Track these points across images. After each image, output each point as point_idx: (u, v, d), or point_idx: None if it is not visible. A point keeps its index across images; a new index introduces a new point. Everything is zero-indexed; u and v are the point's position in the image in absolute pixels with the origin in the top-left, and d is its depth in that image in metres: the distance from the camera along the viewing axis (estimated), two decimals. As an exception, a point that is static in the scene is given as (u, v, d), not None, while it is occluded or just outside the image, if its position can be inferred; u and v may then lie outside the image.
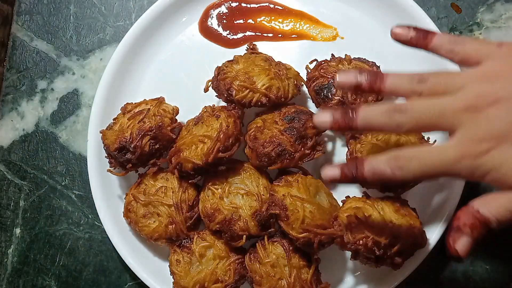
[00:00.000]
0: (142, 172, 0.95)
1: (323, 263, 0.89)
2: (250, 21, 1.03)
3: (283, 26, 1.02)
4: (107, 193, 0.98)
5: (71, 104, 1.08)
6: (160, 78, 1.03)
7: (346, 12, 1.01)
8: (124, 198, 0.96)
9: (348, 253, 0.83)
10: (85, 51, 1.09)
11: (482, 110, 0.65)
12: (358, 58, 0.93)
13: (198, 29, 1.04)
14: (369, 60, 0.93)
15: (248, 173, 0.90)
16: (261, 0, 1.03)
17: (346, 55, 0.93)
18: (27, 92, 1.10)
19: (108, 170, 0.95)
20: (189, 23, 1.04)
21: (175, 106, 0.96)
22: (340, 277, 0.94)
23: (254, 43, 1.00)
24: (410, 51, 0.97)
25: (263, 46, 1.01)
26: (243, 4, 1.03)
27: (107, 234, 0.97)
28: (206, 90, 0.96)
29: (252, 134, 0.89)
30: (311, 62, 0.95)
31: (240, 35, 1.03)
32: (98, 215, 0.98)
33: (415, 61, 0.97)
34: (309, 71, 0.95)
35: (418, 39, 0.74)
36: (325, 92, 0.89)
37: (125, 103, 0.97)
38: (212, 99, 0.97)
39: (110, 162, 0.93)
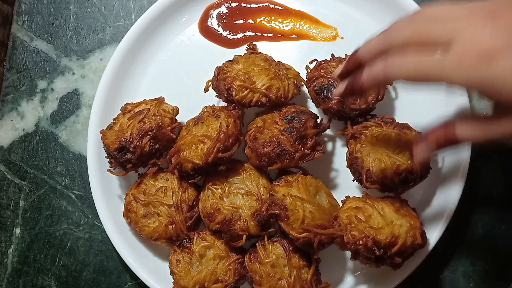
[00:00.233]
0: (142, 172, 0.95)
1: (323, 263, 0.89)
2: (250, 21, 1.03)
3: (283, 26, 1.02)
4: (107, 193, 0.98)
5: (71, 104, 1.08)
6: (160, 78, 1.03)
7: (346, 12, 1.01)
8: (124, 198, 0.96)
9: (348, 253, 0.83)
10: (85, 51, 1.09)
11: (483, 22, 0.62)
12: (358, 58, 0.93)
13: (198, 29, 1.04)
14: (369, 60, 0.93)
15: (248, 173, 0.90)
16: (261, 0, 1.03)
17: (346, 55, 0.93)
18: (27, 92, 1.10)
19: (108, 170, 0.95)
20: (189, 23, 1.04)
21: (175, 106, 0.96)
22: (340, 277, 0.94)
23: (254, 43, 1.00)
24: (410, 51, 0.98)
25: (263, 46, 1.01)
26: (243, 4, 1.03)
27: (107, 234, 0.97)
28: (206, 90, 0.96)
29: (252, 134, 0.89)
30: (311, 62, 0.95)
31: (240, 35, 1.03)
32: (98, 215, 0.98)
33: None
34: (309, 71, 0.95)
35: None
36: (325, 92, 0.89)
37: (125, 103, 0.97)
38: (212, 99, 0.97)
39: (110, 162, 0.93)
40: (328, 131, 0.93)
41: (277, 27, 1.02)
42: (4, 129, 1.10)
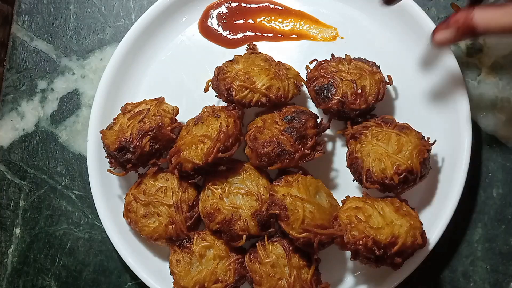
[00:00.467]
0: (142, 172, 0.95)
1: (323, 263, 0.89)
2: (250, 21, 1.03)
3: (283, 26, 1.02)
4: (107, 193, 0.98)
5: (71, 104, 1.08)
6: (160, 78, 1.03)
7: (346, 12, 1.01)
8: (124, 198, 0.96)
9: (348, 253, 0.83)
10: (85, 51, 1.09)
11: None
12: (358, 58, 0.93)
13: (198, 29, 1.04)
14: (369, 60, 0.93)
15: (248, 173, 0.90)
16: (261, 0, 1.03)
17: (346, 55, 0.93)
18: (27, 92, 1.10)
19: (108, 170, 0.95)
20: (189, 23, 1.04)
21: (175, 106, 0.96)
22: (340, 277, 0.94)
23: (254, 43, 1.00)
24: (410, 51, 0.98)
25: (263, 46, 1.01)
26: (243, 4, 1.03)
27: (107, 234, 0.97)
28: (206, 90, 0.96)
29: (252, 134, 0.88)
30: (311, 62, 0.95)
31: (240, 35, 1.03)
32: (98, 215, 0.98)
33: (416, 61, 0.97)
34: (309, 71, 0.95)
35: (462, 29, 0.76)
36: (325, 92, 0.89)
37: (125, 103, 0.97)
38: (212, 99, 0.97)
39: (110, 162, 0.93)
40: (328, 131, 0.93)
41: (277, 27, 1.02)
42: (4, 129, 1.10)
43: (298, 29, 1.01)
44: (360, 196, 0.88)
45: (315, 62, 0.95)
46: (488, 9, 0.74)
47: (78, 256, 1.04)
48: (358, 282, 0.93)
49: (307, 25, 1.01)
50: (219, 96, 0.93)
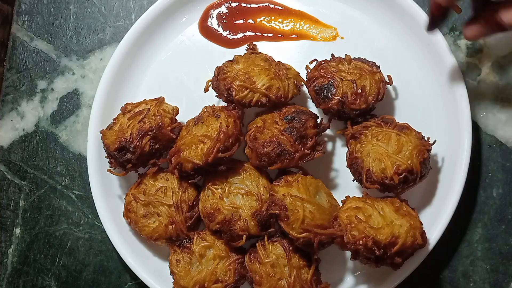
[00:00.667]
0: (142, 172, 0.95)
1: (323, 263, 0.89)
2: (250, 21, 1.03)
3: (283, 26, 1.02)
4: (107, 193, 0.98)
5: (71, 104, 1.08)
6: (160, 78, 1.03)
7: (346, 12, 1.01)
8: (124, 198, 0.96)
9: (348, 253, 0.83)
10: (85, 51, 1.09)
11: None
12: (358, 58, 0.93)
13: (198, 29, 1.04)
14: (369, 60, 0.93)
15: (248, 173, 0.90)
16: (261, 0, 1.03)
17: (346, 55, 0.93)
18: (27, 92, 1.10)
19: (108, 170, 0.95)
20: (189, 23, 1.04)
21: (175, 106, 0.96)
22: (340, 277, 0.94)
23: (254, 43, 1.00)
24: (410, 51, 0.98)
25: (263, 46, 1.01)
26: (243, 4, 1.03)
27: (107, 234, 0.97)
28: (206, 90, 0.96)
29: (252, 134, 0.88)
30: (311, 62, 0.95)
31: (240, 35, 1.03)
32: (98, 215, 0.98)
33: (416, 61, 0.97)
34: (309, 71, 0.95)
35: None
36: (325, 92, 0.89)
37: (125, 103, 0.97)
38: (212, 99, 0.97)
39: (110, 162, 0.93)
40: (328, 131, 0.93)
41: (277, 27, 1.02)
42: (4, 129, 1.10)
43: (298, 29, 1.02)
44: (360, 196, 0.88)
45: (315, 62, 0.95)
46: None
47: (78, 256, 1.04)
48: (358, 282, 0.93)
49: (307, 25, 1.01)
50: (219, 96, 0.93)
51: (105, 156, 0.95)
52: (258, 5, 1.03)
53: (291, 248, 0.86)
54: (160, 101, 0.95)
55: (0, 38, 1.10)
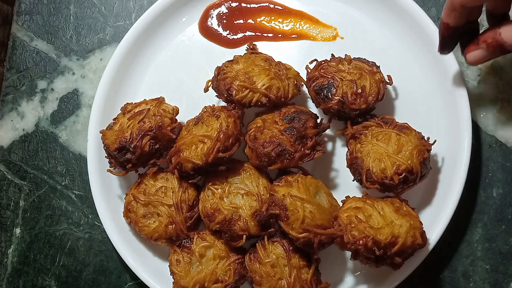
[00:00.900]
0: (142, 172, 0.95)
1: (323, 263, 0.89)
2: (250, 21, 1.03)
3: (283, 26, 1.02)
4: (107, 193, 0.98)
5: (71, 104, 1.08)
6: (160, 78, 1.03)
7: (346, 12, 1.01)
8: (124, 198, 0.96)
9: (348, 253, 0.83)
10: (85, 51, 1.09)
11: None
12: (358, 58, 0.93)
13: (198, 29, 1.04)
14: (369, 60, 0.93)
15: (248, 173, 0.90)
16: (261, 0, 1.03)
17: (346, 55, 0.93)
18: (27, 92, 1.10)
19: (108, 170, 0.95)
20: (189, 23, 1.04)
21: (175, 106, 0.96)
22: (340, 277, 0.94)
23: (254, 43, 1.00)
24: (410, 51, 0.98)
25: (263, 46, 1.01)
26: (243, 4, 1.03)
27: (107, 234, 0.97)
28: (206, 90, 0.96)
29: (252, 134, 0.88)
30: (311, 62, 0.95)
31: (240, 35, 1.03)
32: (98, 215, 0.98)
33: (416, 61, 0.97)
34: (309, 71, 0.95)
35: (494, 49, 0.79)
36: (325, 92, 0.89)
37: (125, 103, 0.97)
38: (212, 99, 0.97)
39: (110, 162, 0.93)
40: (328, 131, 0.93)
41: (277, 27, 1.02)
42: (4, 129, 1.10)
43: (298, 29, 1.01)
44: (360, 196, 0.88)
45: (315, 62, 0.95)
46: None
47: (78, 256, 1.04)
48: (358, 282, 0.93)
49: (307, 25, 1.01)
50: (219, 96, 0.93)
51: (105, 156, 0.95)
52: (258, 5, 1.03)
53: (291, 248, 0.86)
54: (160, 101, 0.95)
55: (0, 38, 1.10)
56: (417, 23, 0.94)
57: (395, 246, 0.79)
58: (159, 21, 1.02)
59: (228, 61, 0.94)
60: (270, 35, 1.02)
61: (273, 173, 0.91)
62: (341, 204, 0.88)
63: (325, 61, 0.93)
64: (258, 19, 1.03)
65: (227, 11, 1.03)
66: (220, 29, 1.03)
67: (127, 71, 1.02)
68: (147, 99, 0.96)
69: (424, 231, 0.84)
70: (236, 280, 0.88)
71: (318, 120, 0.90)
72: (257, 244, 0.88)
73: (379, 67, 0.92)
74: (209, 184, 0.90)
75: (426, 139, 0.88)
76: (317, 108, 0.93)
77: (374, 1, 0.98)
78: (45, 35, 1.11)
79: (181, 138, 0.91)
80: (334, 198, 0.90)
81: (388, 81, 0.93)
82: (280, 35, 1.02)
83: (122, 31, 1.07)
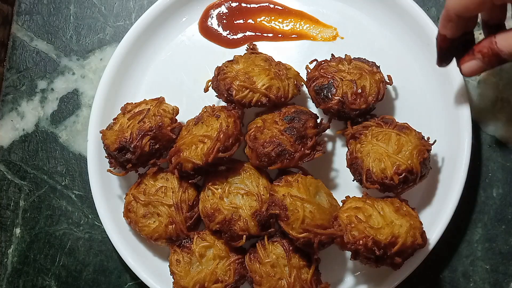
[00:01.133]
0: (142, 172, 0.95)
1: (323, 263, 0.89)
2: (250, 21, 1.03)
3: (283, 26, 1.02)
4: (107, 193, 0.98)
5: (71, 104, 1.08)
6: (160, 78, 1.03)
7: (346, 12, 1.01)
8: (124, 198, 0.96)
9: (348, 253, 0.83)
10: (85, 51, 1.09)
11: None
12: (358, 58, 0.93)
13: (198, 29, 1.04)
14: (369, 60, 0.93)
15: (248, 173, 0.90)
16: (261, 0, 1.03)
17: (346, 55, 0.93)
18: (27, 92, 1.10)
19: (108, 170, 0.95)
20: (189, 23, 1.04)
21: (175, 106, 0.96)
22: (340, 277, 0.94)
23: (254, 43, 1.00)
24: (410, 51, 0.98)
25: (263, 46, 1.01)
26: (243, 4, 1.03)
27: (107, 234, 0.97)
28: (206, 90, 0.96)
29: (252, 134, 0.88)
30: (311, 62, 0.95)
31: (240, 35, 1.03)
32: (98, 215, 0.98)
33: (416, 61, 0.97)
34: (309, 71, 0.95)
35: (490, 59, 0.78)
36: (325, 92, 0.89)
37: (125, 103, 0.97)
38: (212, 99, 0.97)
39: (110, 162, 0.93)
40: (328, 131, 0.93)
41: (277, 27, 1.02)
42: (4, 129, 1.10)
43: (298, 29, 1.02)
44: (360, 196, 0.88)
45: (315, 62, 0.95)
46: (510, 33, 0.75)
47: (78, 256, 1.04)
48: (358, 282, 0.93)
49: (307, 25, 1.01)
50: (219, 96, 0.93)
51: (105, 156, 0.95)
52: (258, 5, 1.03)
53: (291, 248, 0.86)
54: (160, 101, 0.95)
55: (0, 38, 1.10)
56: (417, 23, 0.94)
57: (395, 246, 0.79)
58: (159, 21, 1.02)
59: (228, 61, 0.94)
60: (270, 35, 1.02)
61: (273, 173, 0.91)
62: (341, 204, 0.88)
63: (325, 61, 0.93)
64: (258, 19, 1.03)
65: (227, 11, 1.03)
66: (220, 29, 1.03)
67: (127, 71, 1.02)
68: (147, 99, 0.96)
69: (424, 231, 0.84)
70: (236, 280, 0.88)
71: (318, 120, 0.90)
72: (257, 244, 0.88)
73: (379, 67, 0.92)
74: (209, 184, 0.90)
75: (426, 139, 0.88)
76: (317, 108, 0.93)
77: (374, 1, 0.99)
78: (45, 35, 1.11)
79: (181, 138, 0.90)
80: (334, 198, 0.90)
81: (388, 81, 0.93)
82: (280, 35, 1.02)
83: (122, 31, 1.07)
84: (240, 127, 0.90)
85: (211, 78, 0.95)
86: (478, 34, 1.01)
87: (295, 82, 0.92)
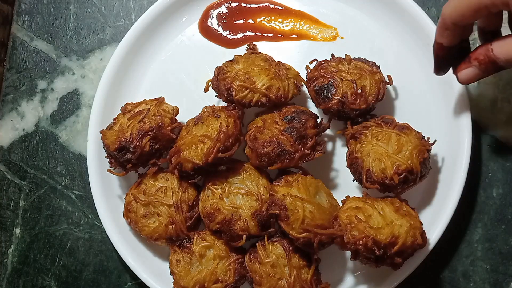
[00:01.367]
0: (142, 172, 0.95)
1: (323, 263, 0.89)
2: (250, 21, 1.03)
3: (283, 26, 1.02)
4: (107, 193, 0.98)
5: (71, 104, 1.08)
6: (160, 78, 1.03)
7: (346, 12, 1.01)
8: (124, 198, 0.96)
9: (348, 253, 0.83)
10: (85, 51, 1.09)
11: None
12: (358, 58, 0.93)
13: (198, 29, 1.04)
14: (369, 60, 0.93)
15: (248, 173, 0.90)
16: (261, 0, 1.03)
17: (346, 55, 0.93)
18: (27, 92, 1.10)
19: (108, 170, 0.95)
20: (189, 23, 1.04)
21: (175, 106, 0.96)
22: (340, 277, 0.94)
23: (254, 43, 1.00)
24: (410, 51, 0.98)
25: (263, 46, 1.01)
26: (243, 4, 1.03)
27: (107, 234, 0.97)
28: (206, 90, 0.96)
29: (252, 134, 0.88)
30: (311, 62, 0.95)
31: (240, 35, 1.03)
32: (98, 215, 0.98)
33: (416, 61, 0.97)
34: (309, 71, 0.95)
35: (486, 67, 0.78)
36: (325, 92, 0.89)
37: (125, 103, 0.97)
38: (212, 99, 0.97)
39: (110, 162, 0.93)
40: (328, 131, 0.93)
41: (277, 27, 1.02)
42: (4, 129, 1.10)
43: (298, 29, 1.01)
44: (360, 196, 0.88)
45: (315, 62, 0.95)
46: (506, 40, 0.75)
47: (78, 256, 1.04)
48: (358, 282, 0.93)
49: (307, 25, 1.01)
50: (219, 96, 0.93)
51: (105, 156, 0.95)
52: (258, 5, 1.03)
53: (291, 248, 0.86)
54: (160, 101, 0.95)
55: (0, 38, 1.10)
56: (417, 23, 0.94)
57: (395, 246, 0.79)
58: (159, 21, 1.02)
59: (228, 61, 0.94)
60: (270, 35, 1.02)
61: (273, 173, 0.91)
62: (341, 204, 0.88)
63: (325, 61, 0.93)
64: (258, 19, 1.03)
65: (227, 11, 1.03)
66: (220, 29, 1.03)
67: (127, 71, 1.02)
68: (147, 99, 0.96)
69: (424, 231, 0.84)
70: (236, 280, 0.88)
71: (318, 120, 0.90)
72: (257, 244, 0.88)
73: (379, 67, 0.92)
74: (209, 184, 0.90)
75: (426, 139, 0.88)
76: (317, 108, 0.93)
77: (374, 1, 0.99)
78: (45, 35, 1.11)
79: (181, 138, 0.90)
80: (334, 198, 0.90)
81: (388, 81, 0.93)
82: (280, 35, 1.02)
83: (122, 31, 1.07)
84: (240, 127, 0.90)
85: (211, 78, 0.95)
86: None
87: (295, 82, 0.92)
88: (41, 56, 1.10)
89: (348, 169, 0.90)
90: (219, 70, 0.92)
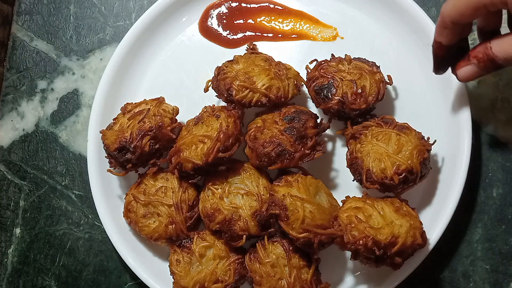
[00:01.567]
0: (142, 172, 0.95)
1: (323, 263, 0.89)
2: (250, 21, 1.03)
3: (283, 26, 1.02)
4: (107, 193, 0.98)
5: (71, 104, 1.08)
6: (160, 78, 1.03)
7: (346, 12, 1.01)
8: (124, 198, 0.96)
9: (348, 253, 0.83)
10: (85, 51, 1.09)
11: None
12: (358, 58, 0.93)
13: (198, 29, 1.04)
14: (369, 60, 0.93)
15: (248, 173, 0.90)
16: (261, 0, 1.03)
17: (346, 55, 0.93)
18: (27, 92, 1.10)
19: (108, 170, 0.95)
20: (189, 23, 1.04)
21: (175, 106, 0.96)
22: (340, 277, 0.94)
23: (254, 43, 1.00)
24: (410, 51, 0.98)
25: (263, 46, 1.01)
26: (243, 4, 1.03)
27: (107, 234, 0.97)
28: (206, 90, 0.96)
29: (252, 134, 0.88)
30: (311, 62, 0.95)
31: (240, 35, 1.03)
32: (98, 215, 0.98)
33: (416, 61, 0.97)
34: (309, 71, 0.95)
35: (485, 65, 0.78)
36: (325, 92, 0.89)
37: (125, 103, 0.97)
38: (212, 99, 0.97)
39: (110, 162, 0.93)
40: (328, 131, 0.93)
41: (277, 27, 1.02)
42: (4, 129, 1.10)
43: (298, 29, 1.02)
44: (360, 196, 0.88)
45: (315, 62, 0.95)
46: (504, 39, 0.75)
47: (78, 256, 1.04)
48: (358, 282, 0.93)
49: (307, 25, 1.01)
50: (219, 96, 0.93)
51: (105, 156, 0.95)
52: (258, 5, 1.03)
53: (291, 248, 0.86)
54: (160, 101, 0.95)
55: (0, 38, 1.10)
56: (417, 23, 0.94)
57: (395, 246, 0.79)
58: (159, 21, 1.02)
59: (228, 61, 0.94)
60: (270, 35, 1.02)
61: (273, 173, 0.91)
62: (341, 204, 0.88)
63: (325, 61, 0.93)
64: (258, 19, 1.03)
65: (227, 11, 1.03)
66: (220, 29, 1.03)
67: (127, 71, 1.02)
68: (147, 99, 0.96)
69: (424, 231, 0.84)
70: (236, 280, 0.88)
71: (318, 120, 0.90)
72: (257, 244, 0.88)
73: (379, 67, 0.92)
74: (209, 184, 0.90)
75: (426, 139, 0.88)
76: (317, 108, 0.93)
77: (374, 1, 0.99)
78: (45, 35, 1.11)
79: (181, 138, 0.91)
80: (334, 198, 0.90)
81: (388, 81, 0.93)
82: (280, 35, 1.02)
83: (122, 31, 1.07)
84: (240, 127, 0.90)
85: (211, 78, 0.95)
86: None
87: (295, 82, 0.92)
88: (41, 56, 1.10)
89: (348, 169, 0.90)
90: (219, 70, 0.92)
